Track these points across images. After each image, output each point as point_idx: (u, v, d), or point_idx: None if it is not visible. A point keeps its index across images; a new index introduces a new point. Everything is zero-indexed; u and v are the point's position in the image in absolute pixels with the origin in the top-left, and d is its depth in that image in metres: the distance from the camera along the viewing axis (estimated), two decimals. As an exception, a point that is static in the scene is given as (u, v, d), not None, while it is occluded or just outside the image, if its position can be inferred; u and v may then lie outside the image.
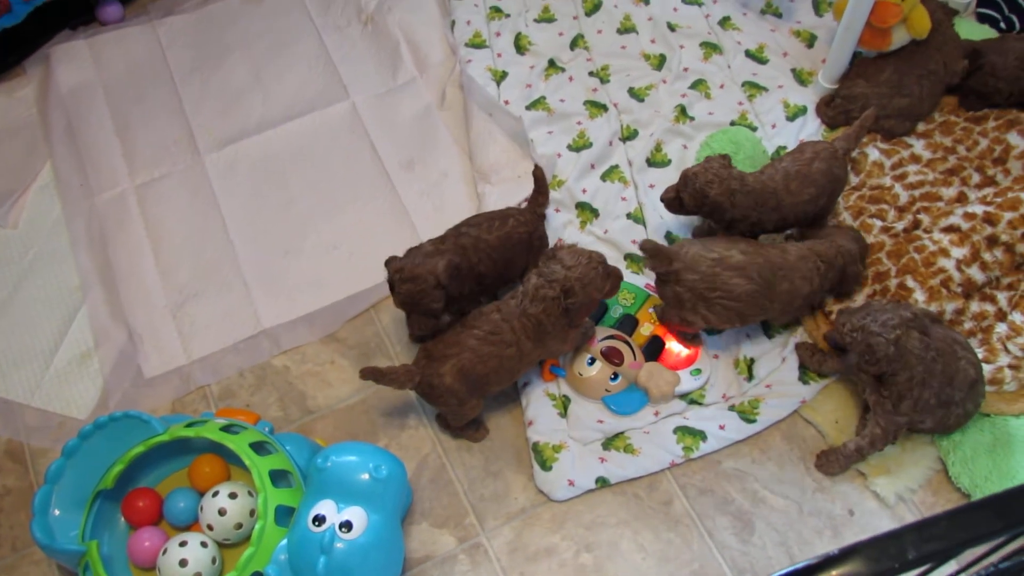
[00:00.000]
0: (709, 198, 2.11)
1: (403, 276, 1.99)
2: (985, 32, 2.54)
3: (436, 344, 1.97)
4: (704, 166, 2.14)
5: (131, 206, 2.51)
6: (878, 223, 2.29)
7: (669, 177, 2.43)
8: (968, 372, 1.91)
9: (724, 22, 2.75)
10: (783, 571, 0.72)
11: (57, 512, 1.82)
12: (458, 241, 2.09)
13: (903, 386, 1.86)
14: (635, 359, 2.14)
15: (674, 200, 2.20)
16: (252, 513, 1.87)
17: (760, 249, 2.05)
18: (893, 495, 2.00)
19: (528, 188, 2.40)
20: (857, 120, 2.30)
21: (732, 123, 2.53)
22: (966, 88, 2.45)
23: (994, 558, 0.92)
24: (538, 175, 2.26)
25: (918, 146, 2.42)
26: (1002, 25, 2.58)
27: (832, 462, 2.03)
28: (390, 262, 2.04)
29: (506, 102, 2.60)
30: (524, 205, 2.30)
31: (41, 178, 2.59)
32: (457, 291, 2.05)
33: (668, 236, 2.36)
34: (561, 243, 2.06)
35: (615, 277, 2.02)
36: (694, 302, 2.03)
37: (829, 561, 0.72)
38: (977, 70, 2.40)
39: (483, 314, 1.99)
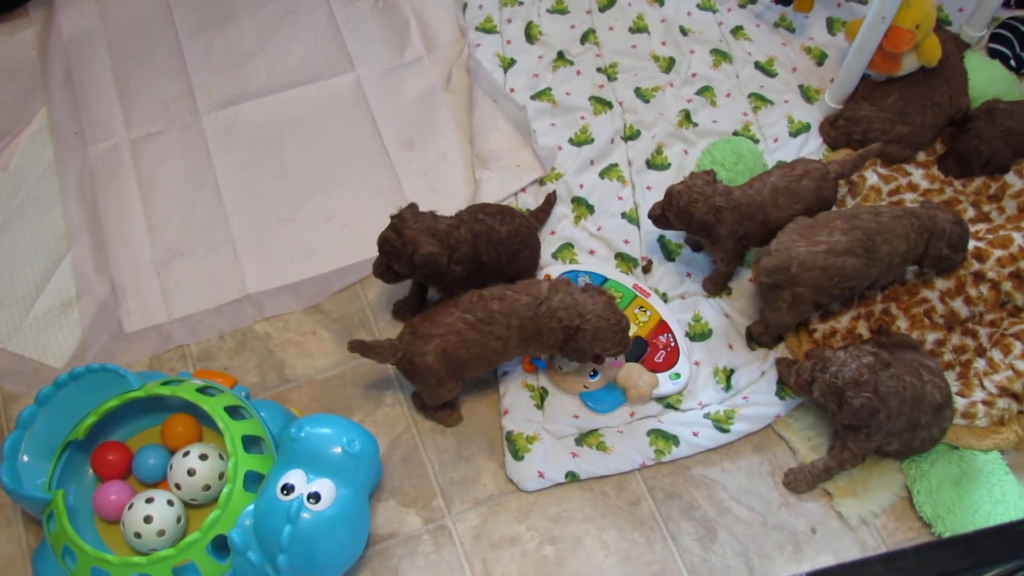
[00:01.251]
0: (695, 217, 2.11)
1: (396, 225, 2.00)
2: (995, 68, 2.55)
3: (423, 322, 1.97)
4: (688, 183, 2.13)
5: (124, 159, 2.50)
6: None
7: (668, 180, 2.43)
8: (934, 396, 1.93)
9: (736, 31, 2.75)
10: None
11: (26, 458, 1.82)
12: (473, 227, 2.09)
13: (880, 420, 1.87)
14: (616, 358, 2.15)
15: (660, 217, 2.20)
16: (221, 476, 1.87)
17: (855, 221, 2.04)
18: (856, 517, 2.02)
19: (525, 178, 2.42)
20: (861, 150, 2.30)
21: (735, 133, 2.54)
22: (949, 147, 2.45)
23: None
24: (550, 200, 2.36)
25: (916, 175, 2.43)
26: (1012, 63, 2.60)
27: (800, 480, 2.04)
28: (406, 208, 2.03)
29: (511, 90, 2.60)
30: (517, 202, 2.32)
31: (36, 122, 2.56)
32: (452, 274, 2.06)
33: (661, 240, 2.36)
34: (597, 289, 2.05)
35: (623, 347, 2.02)
36: (813, 294, 2.05)
37: (797, 584, 0.73)
38: (965, 132, 2.41)
39: (482, 299, 1.97)
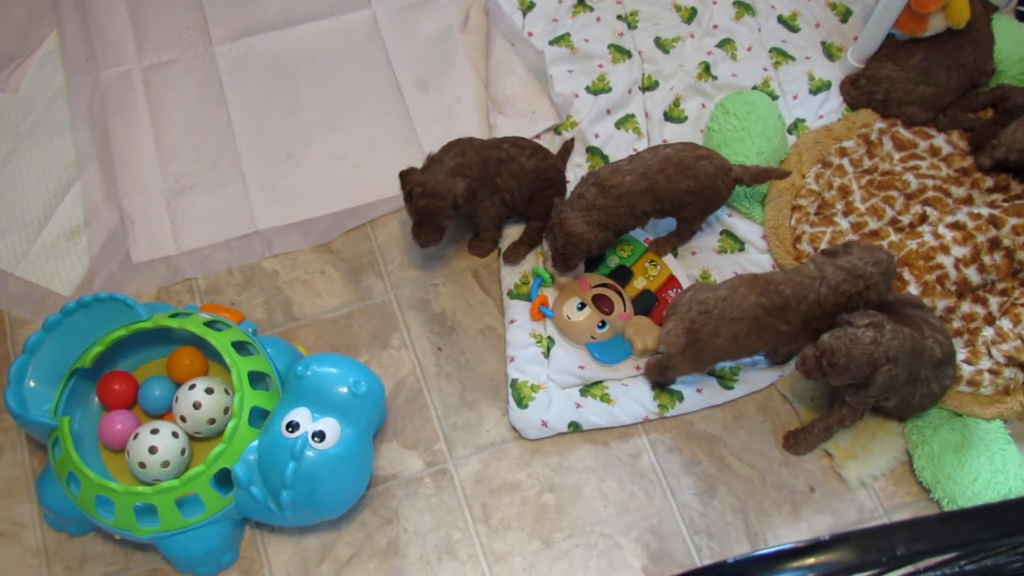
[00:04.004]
0: (575, 235, 2.03)
1: (424, 191, 1.99)
2: (1023, 32, 2.50)
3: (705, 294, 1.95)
4: (559, 231, 2.05)
5: (136, 87, 2.46)
6: (889, 211, 2.29)
7: (684, 134, 2.41)
8: (934, 351, 1.91)
9: (761, -17, 2.69)
10: (773, 548, 0.73)
11: (32, 384, 1.81)
12: (483, 152, 2.09)
13: (882, 374, 1.86)
14: (624, 310, 2.14)
15: (569, 261, 2.10)
16: (226, 411, 1.87)
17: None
18: (856, 479, 2.03)
19: (540, 125, 2.40)
20: (774, 168, 2.22)
21: (754, 88, 2.50)
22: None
23: (963, 562, 0.94)
24: (568, 147, 2.34)
25: (939, 138, 2.40)
26: (1041, 25, 2.55)
27: (800, 443, 2.05)
28: (408, 174, 2.04)
29: (530, 34, 2.55)
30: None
31: (47, 45, 2.51)
32: (480, 195, 2.09)
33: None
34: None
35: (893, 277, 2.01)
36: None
37: (819, 546, 0.73)
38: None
39: (770, 284, 1.94)
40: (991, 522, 0.75)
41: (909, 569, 1.10)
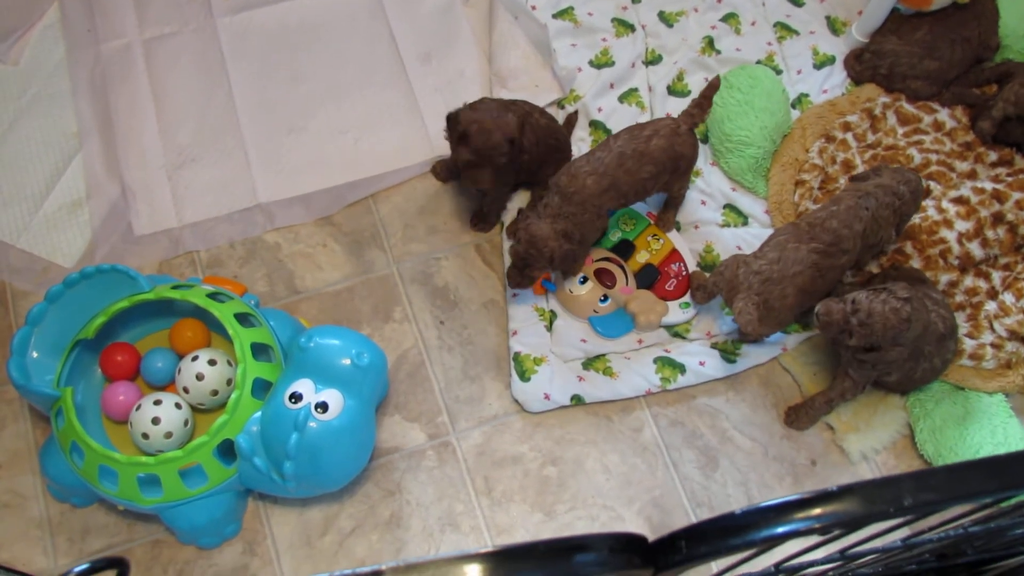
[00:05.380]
0: (540, 238, 1.97)
1: (481, 127, 1.96)
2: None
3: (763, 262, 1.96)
4: (523, 235, 1.99)
5: (137, 59, 2.45)
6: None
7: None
8: (937, 326, 1.92)
9: (766, -44, 2.68)
10: (782, 499, 0.73)
11: (35, 355, 1.81)
12: (511, 107, 2.08)
13: (895, 351, 1.85)
14: (627, 284, 2.14)
15: (527, 269, 2.04)
16: (229, 383, 1.87)
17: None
18: (858, 452, 2.04)
19: (543, 99, 2.39)
20: (705, 88, 2.12)
21: (758, 63, 2.49)
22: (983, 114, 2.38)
23: (965, 520, 0.95)
24: (571, 121, 2.35)
25: (943, 113, 2.39)
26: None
27: (801, 417, 2.05)
28: (458, 113, 2.00)
29: (533, 7, 2.53)
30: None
31: (47, 17, 2.50)
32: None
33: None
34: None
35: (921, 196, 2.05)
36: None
37: (827, 496, 0.73)
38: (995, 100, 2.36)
39: (812, 227, 1.96)
40: (998, 474, 0.75)
41: (911, 534, 1.10)
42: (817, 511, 0.72)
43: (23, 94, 2.38)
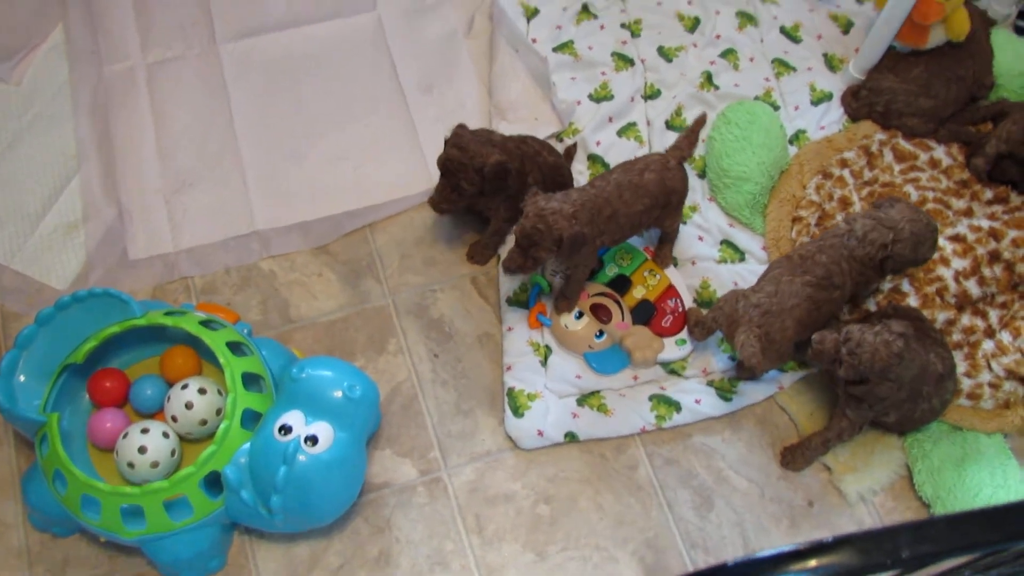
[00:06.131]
0: (550, 212, 1.90)
1: (457, 142, 1.99)
2: (1021, 45, 2.49)
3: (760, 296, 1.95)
4: (531, 210, 1.91)
5: (139, 82, 2.45)
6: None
7: (686, 143, 2.39)
8: (936, 366, 1.90)
9: (764, -6, 2.69)
10: (776, 550, 0.71)
11: (22, 378, 1.79)
12: (520, 147, 2.10)
13: (885, 387, 1.84)
14: (623, 320, 2.12)
15: (531, 249, 1.93)
16: (218, 412, 1.84)
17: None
18: (855, 493, 2.01)
19: (543, 132, 2.39)
20: (692, 123, 2.16)
21: (756, 99, 2.49)
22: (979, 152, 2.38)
23: (966, 572, 0.92)
24: (570, 153, 2.35)
25: (939, 150, 2.39)
26: (1038, 38, 2.55)
27: (797, 458, 2.03)
28: (455, 131, 2.03)
29: (534, 40, 2.54)
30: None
31: (51, 39, 2.50)
32: (512, 188, 2.05)
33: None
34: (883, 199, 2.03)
35: (934, 249, 2.00)
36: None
37: (822, 547, 0.71)
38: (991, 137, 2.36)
39: (804, 261, 1.96)
40: (997, 524, 0.73)
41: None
42: (812, 563, 0.70)
43: (24, 114, 2.38)
